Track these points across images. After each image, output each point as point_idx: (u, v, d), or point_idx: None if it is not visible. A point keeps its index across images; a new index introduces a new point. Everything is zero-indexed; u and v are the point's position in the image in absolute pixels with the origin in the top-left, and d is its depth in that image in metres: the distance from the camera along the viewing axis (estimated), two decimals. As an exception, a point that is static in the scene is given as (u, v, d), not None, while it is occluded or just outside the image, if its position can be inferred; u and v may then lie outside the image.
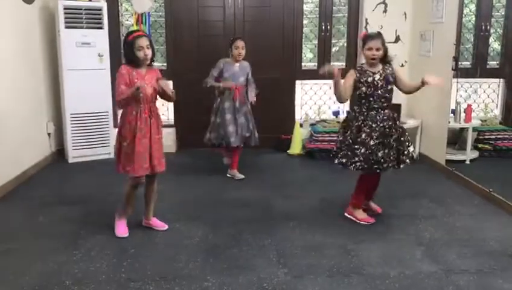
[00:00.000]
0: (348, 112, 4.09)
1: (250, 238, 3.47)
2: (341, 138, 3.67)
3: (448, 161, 5.07)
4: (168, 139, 5.98)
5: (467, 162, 5.30)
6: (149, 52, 3.28)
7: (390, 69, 3.59)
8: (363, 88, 3.54)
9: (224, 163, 5.15)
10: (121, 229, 3.46)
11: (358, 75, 3.56)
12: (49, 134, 5.43)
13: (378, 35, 3.55)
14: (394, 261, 3.09)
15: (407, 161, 3.67)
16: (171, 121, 6.18)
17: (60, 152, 5.57)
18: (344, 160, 3.62)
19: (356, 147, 3.53)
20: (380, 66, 3.57)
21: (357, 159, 3.53)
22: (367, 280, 2.86)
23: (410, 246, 3.32)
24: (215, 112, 4.84)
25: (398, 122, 3.70)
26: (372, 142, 3.50)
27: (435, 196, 4.31)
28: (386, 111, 3.58)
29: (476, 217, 3.86)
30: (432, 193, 4.38)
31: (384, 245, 3.32)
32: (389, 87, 3.56)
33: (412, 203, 4.12)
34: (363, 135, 3.52)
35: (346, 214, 3.78)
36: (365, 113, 3.56)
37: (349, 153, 3.57)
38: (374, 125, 3.52)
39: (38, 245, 3.29)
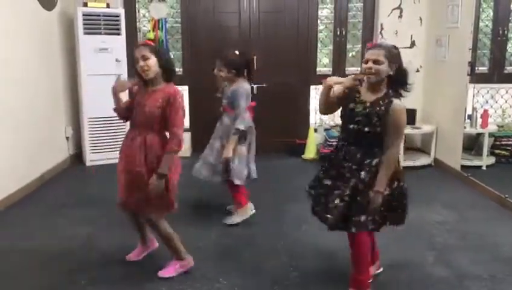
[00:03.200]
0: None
1: (262, 241, 3.50)
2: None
3: (464, 167, 5.03)
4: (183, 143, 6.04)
5: (483, 168, 5.25)
6: (147, 63, 2.72)
7: (384, 107, 2.51)
8: (342, 111, 2.71)
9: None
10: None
11: (347, 91, 2.65)
12: (67, 138, 5.53)
13: (381, 45, 2.64)
14: (406, 265, 3.08)
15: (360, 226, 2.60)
16: (186, 125, 6.25)
17: (78, 155, 5.67)
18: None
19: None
20: (380, 95, 2.55)
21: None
22: (379, 284, 2.86)
23: (422, 250, 3.31)
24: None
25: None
26: (325, 182, 2.75)
27: (449, 201, 4.28)
28: (359, 156, 2.59)
29: (490, 223, 3.83)
30: (446, 198, 4.35)
31: (397, 249, 3.31)
32: (366, 129, 2.55)
33: (425, 208, 4.10)
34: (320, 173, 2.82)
35: None
36: (337, 145, 2.77)
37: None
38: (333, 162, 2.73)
39: (55, 246, 3.36)
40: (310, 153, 5.91)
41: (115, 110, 3.00)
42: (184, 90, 6.17)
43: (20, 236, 3.53)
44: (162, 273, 2.93)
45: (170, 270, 2.95)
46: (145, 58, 2.72)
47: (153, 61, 2.73)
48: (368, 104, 2.55)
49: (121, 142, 5.72)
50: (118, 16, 5.46)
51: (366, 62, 2.54)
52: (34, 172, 4.68)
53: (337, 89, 2.68)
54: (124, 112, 2.98)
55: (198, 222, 3.83)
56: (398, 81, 2.57)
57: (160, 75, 2.78)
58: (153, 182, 2.70)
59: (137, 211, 2.89)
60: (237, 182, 3.73)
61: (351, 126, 2.60)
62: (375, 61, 2.51)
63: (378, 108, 2.52)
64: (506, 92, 6.02)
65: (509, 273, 3.00)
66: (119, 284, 2.84)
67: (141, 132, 2.79)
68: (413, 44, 5.86)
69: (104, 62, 5.41)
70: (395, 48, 2.62)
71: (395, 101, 2.52)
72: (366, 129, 2.54)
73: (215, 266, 3.10)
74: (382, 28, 5.83)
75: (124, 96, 3.01)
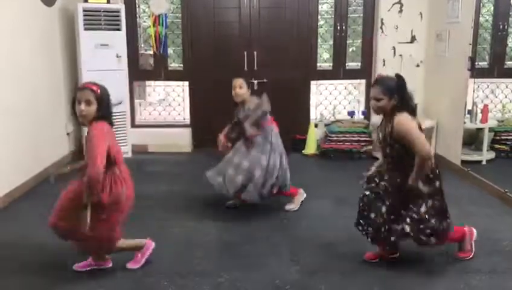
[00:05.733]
0: None
1: (264, 236, 3.51)
2: None
3: (464, 162, 5.04)
4: (184, 139, 6.07)
5: (483, 162, 5.26)
6: (87, 109, 2.67)
7: (390, 126, 2.81)
8: None
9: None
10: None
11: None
12: (68, 134, 5.55)
13: (380, 82, 2.84)
14: (406, 259, 3.10)
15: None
16: (187, 121, 6.26)
17: (79, 151, 5.68)
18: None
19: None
20: (389, 120, 2.85)
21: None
22: (380, 277, 2.88)
23: (423, 245, 3.32)
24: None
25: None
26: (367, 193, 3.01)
27: (450, 196, 4.23)
28: (396, 174, 2.88)
29: (490, 217, 3.85)
30: (446, 193, 4.34)
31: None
32: (388, 150, 2.89)
33: (426, 203, 4.11)
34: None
35: None
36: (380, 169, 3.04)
37: None
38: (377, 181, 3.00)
39: (57, 241, 3.37)
40: (310, 148, 5.92)
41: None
42: (184, 86, 6.20)
43: (25, 231, 3.54)
44: (131, 266, 2.97)
45: (136, 262, 2.98)
46: (87, 104, 2.68)
47: (94, 107, 2.70)
48: (380, 131, 2.92)
49: (120, 138, 5.78)
50: (118, 12, 5.46)
51: (371, 99, 2.87)
52: (35, 168, 4.69)
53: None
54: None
55: (199, 218, 3.84)
56: (404, 108, 2.81)
57: (94, 120, 2.74)
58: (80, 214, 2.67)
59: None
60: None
61: (382, 153, 2.97)
62: (376, 99, 2.81)
63: (386, 129, 2.85)
64: (507, 87, 6.01)
65: (509, 267, 3.02)
66: (121, 279, 2.86)
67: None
68: (413, 39, 5.86)
69: (105, 58, 5.42)
70: (396, 79, 2.82)
71: (395, 117, 2.78)
72: (388, 150, 2.88)
73: (216, 261, 3.12)
74: (382, 23, 5.83)
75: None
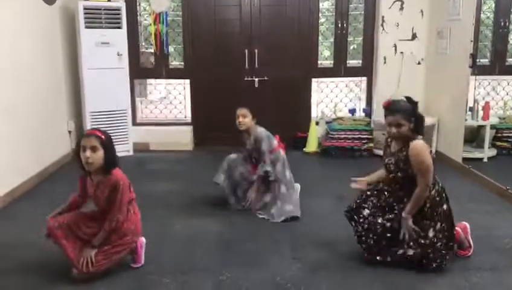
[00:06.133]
0: None
1: (265, 233, 3.52)
2: None
3: (465, 159, 5.03)
4: (185, 137, 6.07)
5: (485, 160, 5.26)
6: (93, 156, 2.68)
7: (405, 151, 2.83)
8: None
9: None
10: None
11: (384, 147, 3.07)
12: (69, 132, 5.55)
13: (398, 108, 2.83)
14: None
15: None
16: (188, 119, 6.26)
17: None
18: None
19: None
20: (400, 146, 2.88)
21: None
22: (381, 274, 2.88)
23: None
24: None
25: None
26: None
27: (451, 193, 4.24)
28: (402, 193, 2.91)
29: (491, 214, 3.85)
30: (447, 191, 4.34)
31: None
32: (399, 174, 2.89)
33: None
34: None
35: None
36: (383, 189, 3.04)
37: None
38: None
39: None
40: (312, 146, 5.92)
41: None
42: (185, 84, 6.20)
43: (26, 229, 3.54)
44: (135, 265, 2.98)
45: (138, 261, 2.99)
46: (94, 150, 2.69)
47: (100, 154, 2.71)
48: (395, 154, 2.87)
49: (122, 136, 5.78)
50: (118, 10, 5.46)
51: (389, 126, 2.83)
52: (37, 166, 4.70)
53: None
54: (74, 207, 2.98)
55: (200, 215, 3.85)
56: (417, 129, 2.85)
57: (103, 167, 2.76)
58: (85, 251, 2.78)
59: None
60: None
61: (391, 176, 2.93)
62: (398, 126, 2.80)
63: (400, 153, 2.84)
64: (508, 84, 6.01)
65: (510, 264, 3.02)
66: (123, 278, 2.87)
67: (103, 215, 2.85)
68: (414, 36, 5.85)
69: (105, 56, 5.42)
70: (410, 102, 2.85)
71: (413, 142, 2.80)
72: (400, 175, 2.86)
73: (218, 258, 3.12)
74: (383, 21, 5.82)
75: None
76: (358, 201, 3.04)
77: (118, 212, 2.77)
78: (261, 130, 3.93)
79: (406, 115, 2.79)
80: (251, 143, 3.95)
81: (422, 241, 2.85)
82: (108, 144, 2.76)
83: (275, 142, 3.98)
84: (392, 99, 2.96)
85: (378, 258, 2.94)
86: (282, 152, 3.98)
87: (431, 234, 2.84)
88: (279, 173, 3.90)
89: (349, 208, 3.06)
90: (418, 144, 2.80)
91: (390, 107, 2.86)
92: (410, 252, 2.88)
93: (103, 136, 2.76)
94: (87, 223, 2.86)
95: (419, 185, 2.78)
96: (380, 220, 2.91)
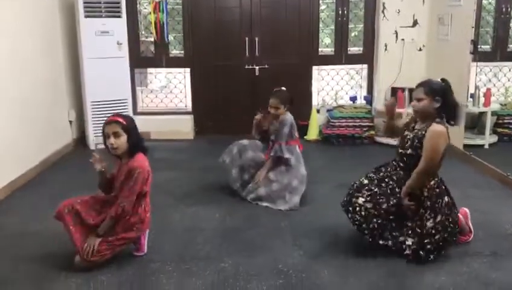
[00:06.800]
0: None
1: (266, 221, 3.54)
2: None
3: (466, 146, 5.04)
4: (186, 125, 6.07)
5: (486, 146, 5.26)
6: (117, 141, 2.74)
7: (424, 131, 2.81)
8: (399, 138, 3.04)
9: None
10: None
11: (408, 121, 3.05)
12: (70, 121, 5.56)
13: (423, 83, 2.87)
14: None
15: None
16: (189, 108, 6.26)
17: (82, 139, 5.70)
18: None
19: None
20: (423, 125, 2.86)
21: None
22: (382, 262, 2.90)
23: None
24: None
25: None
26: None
27: (451, 180, 4.24)
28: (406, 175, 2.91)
29: (492, 201, 3.86)
30: (448, 177, 4.30)
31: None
32: (409, 151, 2.88)
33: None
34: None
35: None
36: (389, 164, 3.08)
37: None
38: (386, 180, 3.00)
39: (59, 231, 3.39)
40: (313, 134, 5.92)
41: (99, 186, 3.00)
42: (186, 72, 6.19)
43: (28, 220, 3.56)
44: (138, 253, 2.99)
45: (141, 249, 3.00)
46: (116, 136, 2.74)
47: (124, 139, 2.75)
48: (416, 131, 2.86)
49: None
50: (118, -2, 5.43)
51: (416, 99, 2.83)
52: (38, 156, 4.71)
53: (402, 121, 3.11)
54: (109, 188, 2.98)
55: (202, 203, 3.87)
56: (446, 113, 2.82)
57: (128, 151, 2.80)
58: (90, 239, 2.77)
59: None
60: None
61: (400, 150, 2.93)
62: (418, 99, 2.80)
63: (420, 132, 2.82)
64: (509, 70, 6.00)
65: (511, 250, 3.03)
66: (126, 266, 2.88)
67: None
68: (415, 23, 5.82)
69: (105, 45, 5.40)
70: (442, 82, 2.85)
71: (434, 124, 2.77)
72: (409, 151, 2.85)
73: (220, 246, 3.14)
74: (384, 7, 5.78)
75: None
76: (350, 192, 3.01)
77: (125, 199, 2.74)
78: (290, 116, 3.94)
79: (428, 91, 2.78)
80: (276, 126, 3.92)
81: (419, 230, 2.85)
82: (130, 128, 2.78)
83: (296, 134, 3.98)
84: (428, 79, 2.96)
85: (380, 242, 2.93)
86: (298, 149, 3.99)
87: (429, 224, 2.82)
88: (295, 167, 3.88)
89: (344, 202, 3.04)
90: (437, 127, 2.78)
91: (422, 82, 2.88)
92: (409, 241, 2.87)
93: (124, 121, 2.79)
94: (100, 209, 2.86)
95: (421, 164, 2.78)
96: (384, 206, 2.89)
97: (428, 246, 2.83)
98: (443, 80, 2.87)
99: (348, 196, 3.02)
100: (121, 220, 2.80)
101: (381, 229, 2.91)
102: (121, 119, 2.79)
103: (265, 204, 3.82)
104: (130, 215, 2.80)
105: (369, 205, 2.90)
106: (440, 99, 2.78)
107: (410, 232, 2.88)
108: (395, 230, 2.93)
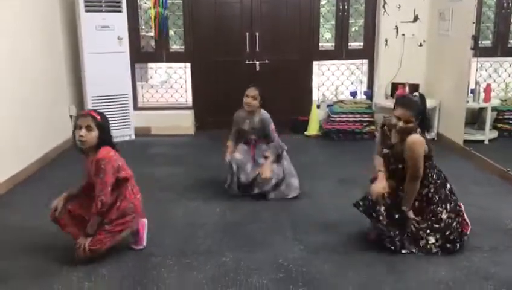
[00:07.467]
0: None
1: (267, 215, 3.54)
2: None
3: (466, 141, 5.04)
4: (186, 120, 6.08)
5: (486, 142, 5.26)
6: (87, 135, 2.72)
7: (401, 147, 2.90)
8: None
9: None
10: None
11: (380, 135, 3.15)
12: (71, 116, 5.55)
13: (411, 105, 2.86)
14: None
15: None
16: (189, 103, 6.26)
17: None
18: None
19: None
20: (400, 138, 2.95)
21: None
22: (383, 256, 2.90)
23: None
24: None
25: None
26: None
27: (451, 175, 4.26)
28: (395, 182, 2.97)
29: (492, 196, 3.87)
30: (448, 173, 4.33)
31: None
32: (393, 167, 2.98)
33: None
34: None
35: None
36: None
37: None
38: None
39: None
40: (313, 129, 5.92)
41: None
42: (186, 67, 6.18)
43: (28, 215, 3.57)
44: (137, 246, 3.01)
45: (140, 243, 3.02)
46: (88, 130, 2.74)
47: (94, 134, 2.75)
48: (394, 146, 2.94)
49: (124, 121, 5.79)
50: (118, -7, 5.42)
51: (398, 119, 2.85)
52: (38, 152, 4.71)
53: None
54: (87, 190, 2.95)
55: (202, 198, 3.87)
56: (422, 126, 2.91)
57: (95, 146, 2.79)
58: (80, 239, 2.81)
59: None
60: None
61: (390, 167, 2.98)
62: (405, 122, 2.84)
63: (401, 146, 2.88)
64: (510, 66, 5.98)
65: (510, 245, 3.05)
66: (127, 260, 2.90)
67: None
68: (416, 18, 5.81)
69: (106, 40, 5.40)
70: (421, 100, 2.92)
71: (412, 135, 2.84)
72: (400, 166, 2.91)
73: (220, 240, 3.15)
74: (385, 2, 5.77)
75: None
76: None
77: (101, 192, 2.74)
78: (266, 112, 3.93)
79: (416, 114, 2.85)
80: (254, 123, 3.92)
81: (437, 225, 2.89)
82: (104, 126, 2.80)
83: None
84: (408, 94, 3.06)
85: (403, 251, 2.93)
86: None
87: (444, 216, 2.90)
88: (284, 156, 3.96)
89: (364, 206, 3.01)
90: (415, 137, 2.85)
91: (405, 102, 2.90)
92: (432, 239, 2.91)
93: (99, 117, 2.80)
94: (88, 207, 2.87)
95: (407, 175, 2.86)
96: (397, 216, 2.92)
97: (452, 237, 2.90)
98: (421, 95, 2.95)
99: (370, 201, 3.00)
100: (110, 211, 2.81)
101: (401, 237, 2.93)
102: (95, 115, 2.80)
103: (273, 196, 3.84)
104: (115, 203, 2.82)
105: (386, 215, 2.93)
106: (420, 117, 2.89)
107: (428, 231, 2.91)
108: (415, 237, 2.94)
